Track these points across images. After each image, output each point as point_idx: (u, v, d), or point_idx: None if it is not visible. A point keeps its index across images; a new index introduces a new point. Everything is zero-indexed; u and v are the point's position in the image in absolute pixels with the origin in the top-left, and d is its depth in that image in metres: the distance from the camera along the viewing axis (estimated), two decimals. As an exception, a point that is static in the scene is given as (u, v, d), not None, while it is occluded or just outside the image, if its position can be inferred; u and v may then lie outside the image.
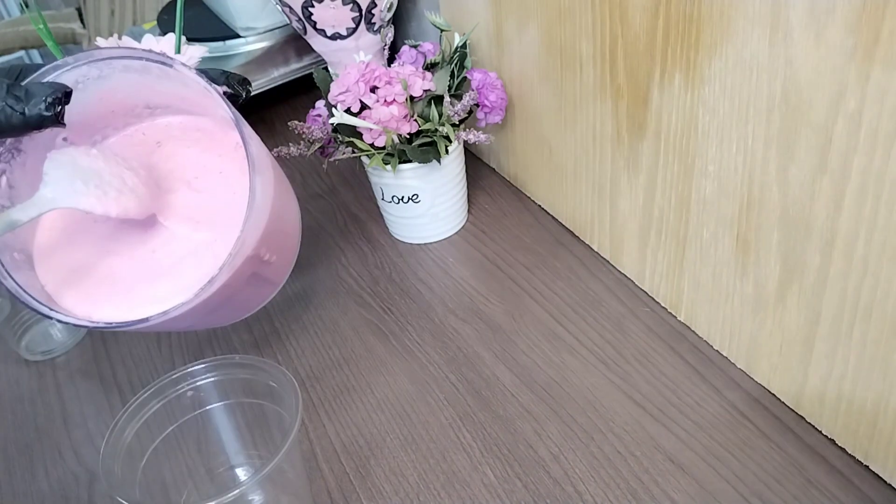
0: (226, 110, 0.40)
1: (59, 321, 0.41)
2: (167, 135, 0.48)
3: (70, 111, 0.38)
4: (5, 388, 0.59)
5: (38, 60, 1.88)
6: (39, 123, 0.35)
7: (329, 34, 0.71)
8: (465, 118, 0.62)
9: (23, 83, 0.37)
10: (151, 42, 0.57)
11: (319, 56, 0.76)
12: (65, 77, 0.39)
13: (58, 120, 0.36)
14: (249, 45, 0.86)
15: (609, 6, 0.50)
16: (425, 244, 0.67)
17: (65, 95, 0.35)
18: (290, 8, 0.70)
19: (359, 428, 0.52)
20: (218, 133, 0.46)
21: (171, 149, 0.48)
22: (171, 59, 0.39)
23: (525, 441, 0.49)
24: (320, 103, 0.65)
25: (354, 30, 0.71)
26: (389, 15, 0.73)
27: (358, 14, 0.69)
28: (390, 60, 0.67)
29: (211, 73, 0.44)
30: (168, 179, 0.47)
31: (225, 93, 0.44)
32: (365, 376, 0.55)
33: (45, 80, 0.38)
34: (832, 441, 0.46)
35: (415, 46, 0.65)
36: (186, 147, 0.47)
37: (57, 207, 0.38)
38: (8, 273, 0.42)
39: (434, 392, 0.53)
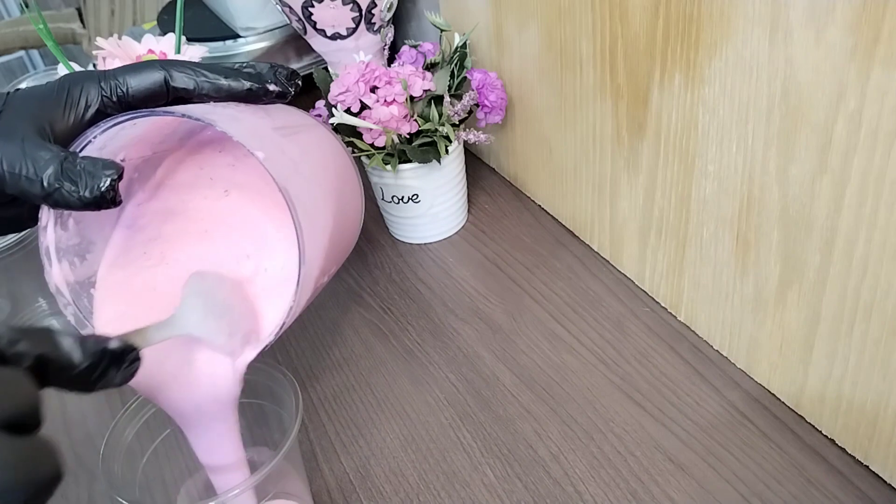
0: (278, 188, 0.36)
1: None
2: (233, 182, 0.44)
3: (121, 137, 0.38)
4: (5, 388, 0.59)
5: (39, 60, 1.88)
6: (98, 206, 0.36)
7: (329, 34, 0.71)
8: (465, 118, 0.62)
9: (76, 150, 0.37)
10: (151, 42, 0.58)
11: (319, 56, 0.76)
12: (107, 133, 0.37)
13: (114, 202, 0.36)
14: (249, 45, 0.86)
15: (609, 6, 0.50)
16: (425, 244, 0.67)
17: (119, 176, 0.36)
18: (290, 8, 0.70)
19: (359, 428, 0.52)
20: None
21: (236, 201, 0.43)
22: (212, 120, 0.36)
23: (525, 441, 0.49)
24: (320, 103, 0.65)
25: (354, 30, 0.71)
26: (389, 15, 0.73)
27: (358, 14, 0.70)
28: (390, 60, 0.67)
29: (259, 67, 0.41)
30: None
31: (272, 91, 0.41)
32: (365, 376, 0.55)
33: (96, 155, 0.37)
34: (832, 441, 0.46)
35: (415, 46, 0.65)
36: (251, 202, 0.43)
37: (189, 335, 0.37)
38: (86, 321, 0.40)
39: (434, 392, 0.53)
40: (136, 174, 0.43)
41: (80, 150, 0.37)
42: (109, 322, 0.41)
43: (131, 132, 0.39)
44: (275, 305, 0.41)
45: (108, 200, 0.35)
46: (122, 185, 0.36)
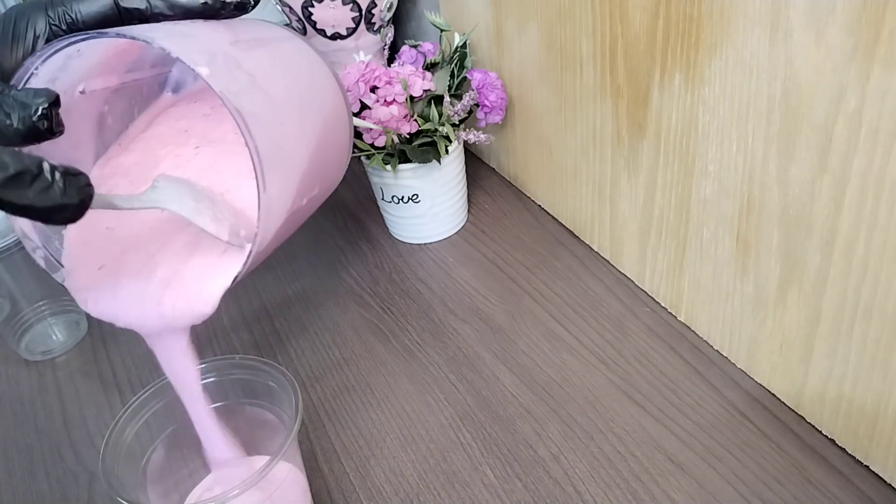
0: (225, 106, 0.34)
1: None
2: (205, 137, 0.41)
3: (74, 68, 0.36)
4: (5, 388, 0.59)
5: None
6: (35, 137, 0.33)
7: (329, 34, 0.71)
8: (465, 118, 0.62)
9: (18, 83, 0.35)
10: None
11: (319, 56, 0.76)
12: (51, 63, 0.35)
13: (51, 132, 0.34)
14: (249, 45, 0.86)
15: (609, 6, 0.50)
16: (425, 244, 0.67)
17: (53, 103, 0.33)
18: (290, 8, 0.70)
19: (359, 428, 0.52)
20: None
21: (207, 157, 0.41)
22: (149, 37, 0.33)
23: (525, 441, 0.49)
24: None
25: (354, 30, 0.71)
26: (389, 15, 0.73)
27: (358, 14, 0.70)
28: (390, 60, 0.67)
29: None
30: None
31: (230, 3, 0.38)
32: (365, 376, 0.55)
33: (32, 85, 0.36)
34: (832, 441, 0.46)
35: (415, 46, 0.65)
36: (216, 165, 0.41)
37: (164, 208, 0.35)
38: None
39: (434, 392, 0.53)
40: (107, 107, 0.41)
41: (24, 83, 0.35)
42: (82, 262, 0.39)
43: (84, 62, 0.37)
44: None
45: (42, 130, 0.33)
46: (93, 120, 0.33)
